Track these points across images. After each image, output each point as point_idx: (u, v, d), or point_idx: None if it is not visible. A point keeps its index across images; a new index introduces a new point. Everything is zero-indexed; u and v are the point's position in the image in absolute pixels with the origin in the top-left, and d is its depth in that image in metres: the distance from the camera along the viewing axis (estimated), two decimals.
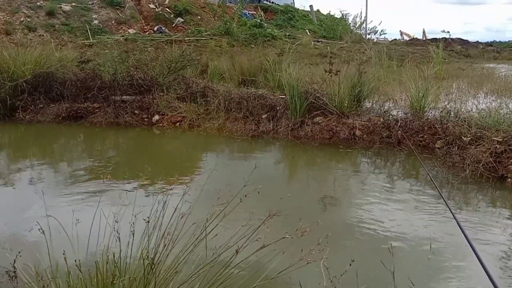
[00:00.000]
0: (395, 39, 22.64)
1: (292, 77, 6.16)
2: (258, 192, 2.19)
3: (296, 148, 5.64)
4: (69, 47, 11.14)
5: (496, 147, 4.39)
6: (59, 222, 2.14)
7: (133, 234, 1.98)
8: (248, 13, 19.55)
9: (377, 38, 22.15)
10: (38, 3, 14.54)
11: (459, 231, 3.27)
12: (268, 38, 15.59)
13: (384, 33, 23.72)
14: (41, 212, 2.20)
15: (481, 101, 7.05)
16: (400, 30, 22.74)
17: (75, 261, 1.83)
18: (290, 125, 5.99)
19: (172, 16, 16.87)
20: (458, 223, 1.79)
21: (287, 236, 1.91)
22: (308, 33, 19.17)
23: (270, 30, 17.02)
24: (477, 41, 23.04)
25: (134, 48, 11.05)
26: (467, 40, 21.39)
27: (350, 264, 1.82)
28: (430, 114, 5.76)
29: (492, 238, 3.16)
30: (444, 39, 17.52)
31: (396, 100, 6.94)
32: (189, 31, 15.86)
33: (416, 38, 21.81)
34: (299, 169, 5.17)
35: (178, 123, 6.74)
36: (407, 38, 22.63)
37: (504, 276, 2.69)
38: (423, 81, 5.98)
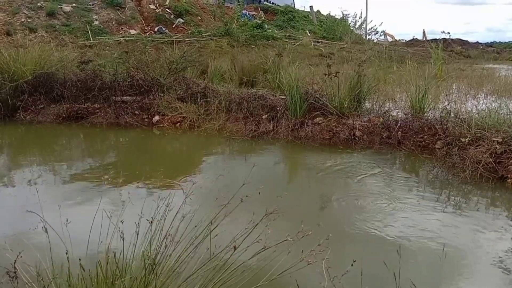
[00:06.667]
0: (395, 39, 22.66)
1: (292, 77, 6.17)
2: (259, 193, 2.20)
3: (296, 149, 5.65)
4: (69, 48, 11.15)
5: (496, 147, 4.39)
6: (59, 222, 2.14)
7: (137, 234, 1.98)
8: (249, 14, 19.56)
9: (377, 38, 22.17)
10: (38, 4, 14.54)
11: (461, 232, 3.28)
12: (268, 38, 15.59)
13: (384, 34, 23.72)
14: (41, 213, 2.20)
15: (481, 102, 7.06)
16: (383, 31, 22.83)
17: (79, 259, 1.84)
18: (290, 126, 5.99)
19: (172, 16, 16.88)
20: None
21: (289, 239, 1.91)
22: (308, 34, 19.19)
23: (270, 30, 17.03)
24: (477, 42, 23.14)
25: (135, 49, 11.06)
26: (467, 41, 21.46)
27: (352, 265, 1.82)
28: (430, 115, 5.77)
29: (493, 239, 3.17)
30: (444, 39, 17.53)
31: (396, 100, 6.95)
32: (190, 31, 15.87)
33: (398, 39, 22.04)
34: (299, 169, 5.17)
35: (179, 124, 6.74)
36: (390, 39, 22.69)
37: (505, 277, 2.69)
38: (423, 82, 5.99)
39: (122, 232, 1.95)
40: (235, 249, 1.89)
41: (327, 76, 6.08)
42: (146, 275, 1.86)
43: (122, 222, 2.01)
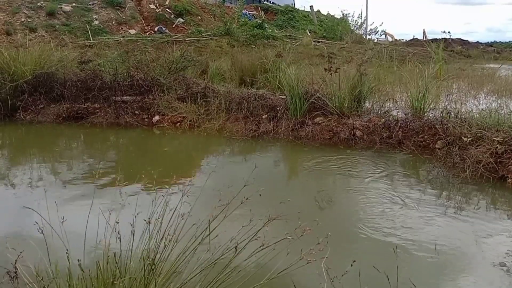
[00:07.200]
0: (396, 39, 22.64)
1: (292, 77, 6.17)
2: (260, 194, 2.19)
3: (297, 149, 5.64)
4: (69, 48, 11.14)
5: (497, 147, 4.39)
6: (59, 222, 2.14)
7: (133, 234, 1.98)
8: (249, 14, 19.54)
9: (377, 38, 22.14)
10: (38, 4, 14.53)
11: (461, 232, 3.28)
12: (268, 38, 15.58)
13: (384, 34, 23.67)
14: (41, 213, 2.20)
15: (481, 102, 7.06)
16: (383, 31, 22.85)
17: (78, 260, 1.83)
18: (290, 126, 5.99)
19: (172, 16, 16.86)
20: None
21: (288, 237, 1.91)
22: (309, 34, 19.17)
23: (270, 30, 17.02)
24: (477, 42, 23.14)
25: (135, 49, 11.05)
26: (467, 41, 21.45)
27: (352, 265, 1.82)
28: (431, 115, 5.77)
29: (493, 239, 3.16)
30: (444, 39, 17.52)
31: (396, 100, 6.95)
32: (190, 31, 15.86)
33: (398, 39, 22.07)
34: (299, 169, 5.16)
35: (179, 124, 6.74)
36: (390, 39, 22.68)
37: (506, 277, 2.68)
38: (423, 81, 5.98)
39: (118, 233, 1.95)
40: (236, 250, 1.88)
41: (327, 71, 6.08)
42: (146, 275, 1.86)
43: (118, 223, 2.00)
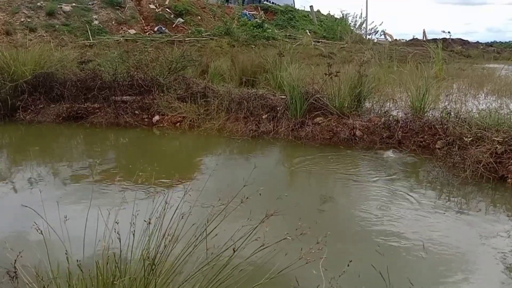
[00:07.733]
0: (395, 39, 22.63)
1: (292, 77, 6.17)
2: (260, 194, 2.19)
3: (297, 149, 5.64)
4: (69, 48, 11.14)
5: (497, 147, 4.39)
6: (59, 222, 2.14)
7: (133, 234, 1.98)
8: (249, 14, 19.54)
9: (377, 38, 22.13)
10: (38, 4, 14.53)
11: (461, 232, 3.28)
12: (268, 38, 15.58)
13: (384, 34, 23.65)
14: (41, 212, 2.20)
15: (481, 102, 7.05)
16: (383, 31, 22.85)
17: (77, 260, 1.83)
18: (290, 126, 5.99)
19: (172, 16, 16.86)
20: None
21: (288, 238, 1.91)
22: (309, 34, 19.17)
23: (270, 30, 17.02)
24: (477, 42, 23.13)
25: (134, 49, 11.05)
26: (467, 41, 21.42)
27: (348, 265, 1.82)
28: (431, 115, 5.77)
29: (493, 239, 3.16)
30: (444, 39, 17.52)
31: (396, 100, 6.95)
32: (190, 31, 15.86)
33: (397, 39, 22.10)
34: (299, 169, 5.16)
35: (179, 124, 6.74)
36: (390, 39, 22.67)
37: (506, 277, 2.69)
38: (423, 82, 5.98)
39: (118, 233, 1.95)
40: (234, 251, 1.88)
41: (327, 76, 6.08)
42: (146, 275, 1.86)
43: (117, 223, 2.00)
